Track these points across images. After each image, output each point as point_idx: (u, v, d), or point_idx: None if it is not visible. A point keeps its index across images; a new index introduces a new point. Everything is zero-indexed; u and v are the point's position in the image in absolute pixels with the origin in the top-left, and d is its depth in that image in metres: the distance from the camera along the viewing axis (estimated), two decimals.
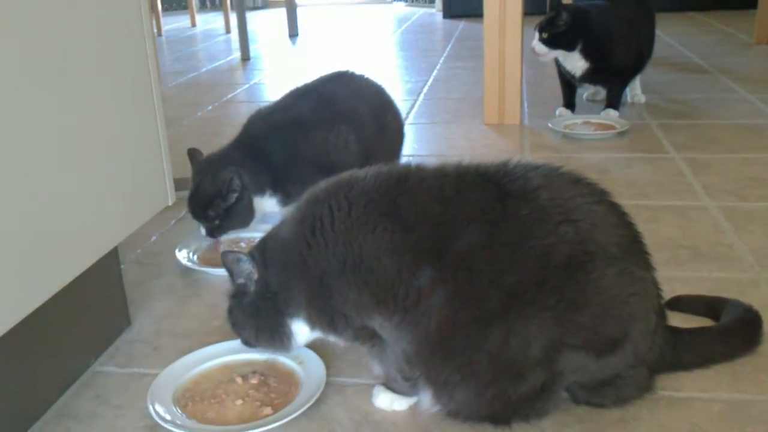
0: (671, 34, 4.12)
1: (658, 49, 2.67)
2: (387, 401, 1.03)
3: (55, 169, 0.97)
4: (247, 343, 1.08)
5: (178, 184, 1.33)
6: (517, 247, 0.91)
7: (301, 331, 1.02)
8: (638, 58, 2.50)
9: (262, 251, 1.03)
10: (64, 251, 0.99)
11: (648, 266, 0.99)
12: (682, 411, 0.99)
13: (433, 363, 0.95)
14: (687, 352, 1.07)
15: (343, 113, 1.63)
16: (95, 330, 1.21)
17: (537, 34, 2.34)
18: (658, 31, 2.63)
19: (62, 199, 0.98)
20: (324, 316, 0.99)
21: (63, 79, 0.98)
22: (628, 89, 2.64)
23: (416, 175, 0.99)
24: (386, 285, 0.93)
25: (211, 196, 1.49)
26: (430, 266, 0.91)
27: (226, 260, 1.01)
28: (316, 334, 1.03)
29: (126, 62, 1.14)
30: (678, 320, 1.13)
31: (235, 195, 1.50)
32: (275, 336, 1.02)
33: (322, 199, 0.99)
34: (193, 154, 1.60)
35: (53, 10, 0.96)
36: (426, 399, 0.99)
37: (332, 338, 1.03)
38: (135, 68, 1.16)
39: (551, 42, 2.33)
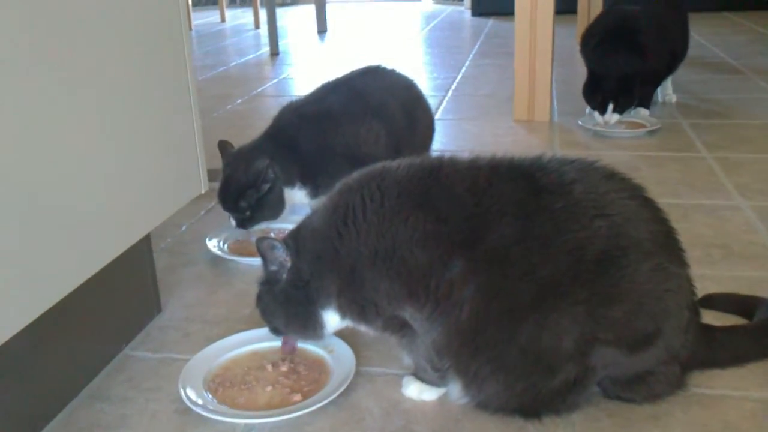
0: (703, 34, 4.07)
1: (690, 49, 2.63)
2: (416, 391, 1.03)
3: (93, 157, 0.98)
4: (277, 331, 1.09)
5: (209, 175, 1.34)
6: (550, 240, 0.91)
7: (332, 320, 1.02)
8: (671, 60, 2.48)
9: (295, 239, 1.03)
10: (99, 236, 1.00)
11: (682, 263, 0.98)
12: (714, 409, 0.98)
13: (464, 355, 0.95)
14: (720, 350, 1.06)
15: (374, 107, 1.64)
16: (127, 315, 1.23)
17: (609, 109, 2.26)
18: (690, 31, 2.60)
19: (98, 185, 1.00)
20: (355, 306, 0.99)
21: (102, 69, 1.00)
22: (659, 88, 2.61)
23: (449, 166, 0.99)
24: (418, 276, 0.93)
25: (243, 186, 1.50)
26: (462, 258, 0.91)
27: (260, 247, 1.02)
28: (347, 323, 1.03)
29: (163, 53, 1.15)
30: (710, 318, 1.12)
31: (268, 185, 1.50)
32: (307, 325, 1.02)
33: (354, 189, 1.00)
34: (223, 146, 1.61)
35: (98, 6, 0.98)
36: (455, 390, 0.99)
37: (362, 327, 1.03)
38: (172, 59, 1.18)
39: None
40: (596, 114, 2.27)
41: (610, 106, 2.23)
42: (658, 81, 2.52)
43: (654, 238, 0.95)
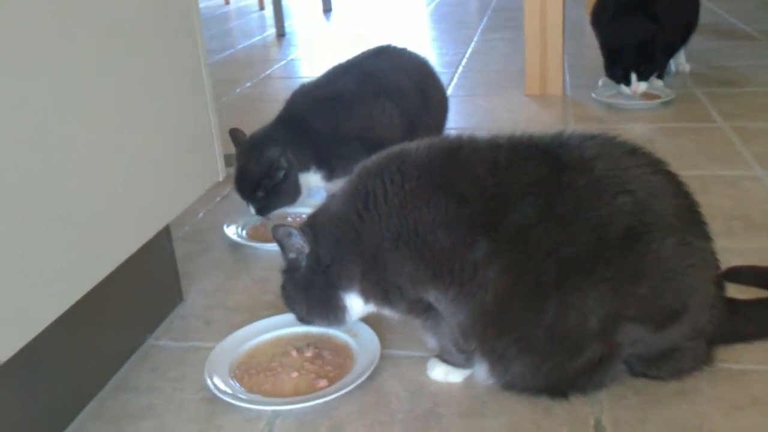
0: (714, 0, 4.01)
1: (701, 16, 2.60)
2: (442, 373, 1.03)
3: (111, 150, 0.98)
4: (302, 319, 1.09)
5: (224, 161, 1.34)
6: (573, 218, 0.90)
7: (355, 304, 1.02)
8: (685, 30, 2.45)
9: (312, 225, 1.03)
10: (121, 229, 1.00)
11: (706, 237, 0.97)
12: (741, 383, 0.98)
13: (489, 336, 0.94)
14: (746, 324, 1.05)
15: (387, 87, 1.62)
16: (150, 305, 1.23)
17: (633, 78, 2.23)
18: None
19: (118, 177, 0.99)
20: (378, 289, 0.99)
21: (115, 60, 0.99)
22: (672, 58, 2.58)
23: (469, 146, 0.98)
24: (442, 258, 0.93)
25: (258, 175, 1.50)
26: (485, 239, 0.91)
27: (277, 234, 1.01)
28: (370, 308, 1.03)
29: (176, 41, 1.15)
30: (734, 292, 1.11)
31: (282, 173, 1.50)
32: (329, 310, 1.02)
33: (374, 173, 0.99)
34: (235, 134, 1.60)
35: None
36: (481, 371, 0.99)
37: (386, 311, 1.03)
38: (184, 43, 1.17)
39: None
40: (623, 86, 2.24)
41: (634, 76, 2.20)
42: (672, 51, 2.49)
43: (678, 213, 0.94)
